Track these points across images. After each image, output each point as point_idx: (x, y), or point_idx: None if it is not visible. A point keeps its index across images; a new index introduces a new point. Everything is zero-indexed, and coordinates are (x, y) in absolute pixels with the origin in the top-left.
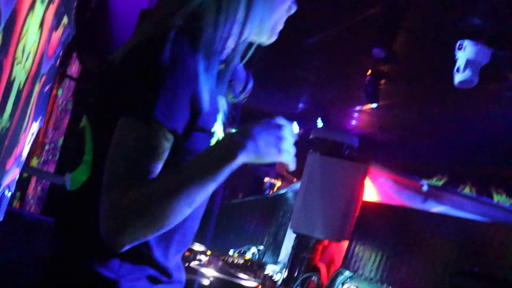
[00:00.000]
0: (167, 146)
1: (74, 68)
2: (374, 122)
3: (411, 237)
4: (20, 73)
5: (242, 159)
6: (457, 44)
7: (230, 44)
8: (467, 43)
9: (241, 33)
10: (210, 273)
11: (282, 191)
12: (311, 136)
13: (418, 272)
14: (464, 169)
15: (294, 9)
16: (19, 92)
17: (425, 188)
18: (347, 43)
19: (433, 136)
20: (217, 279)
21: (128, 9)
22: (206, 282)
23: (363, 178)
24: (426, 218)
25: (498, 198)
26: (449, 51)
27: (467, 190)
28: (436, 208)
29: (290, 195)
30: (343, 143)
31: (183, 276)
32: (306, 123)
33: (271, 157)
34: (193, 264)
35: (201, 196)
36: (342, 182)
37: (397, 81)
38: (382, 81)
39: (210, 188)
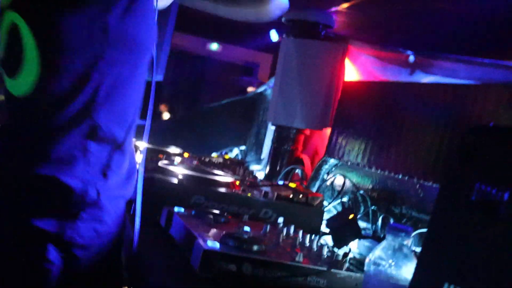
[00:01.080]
0: None
1: None
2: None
3: (396, 114)
4: None
5: None
6: None
7: None
8: None
9: None
10: (180, 171)
11: (260, 89)
12: (283, 19)
13: (397, 146)
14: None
15: None
16: None
17: (411, 58)
18: None
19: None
20: (187, 176)
21: None
22: (175, 180)
23: (343, 59)
24: (410, 89)
25: None
26: None
27: None
28: (426, 78)
29: (268, 91)
30: (319, 23)
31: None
32: (284, 29)
33: None
34: (161, 163)
35: None
36: (321, 65)
37: None
38: None
39: None
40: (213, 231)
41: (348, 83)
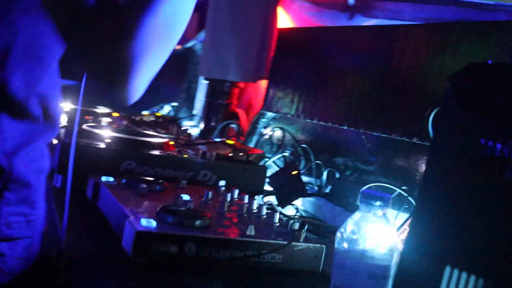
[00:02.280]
0: None
1: None
2: None
3: (328, 60)
4: None
5: None
6: None
7: None
8: None
9: None
10: (107, 134)
11: (189, 44)
12: None
13: (329, 96)
14: None
15: None
16: None
17: (350, 1)
18: None
19: None
20: (115, 139)
21: None
22: (101, 145)
23: (275, 6)
24: (347, 33)
25: None
26: None
27: None
28: (367, 22)
29: (198, 46)
30: None
31: None
32: None
33: None
34: (86, 125)
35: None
36: (252, 14)
37: None
38: None
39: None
40: (147, 204)
41: (283, 30)
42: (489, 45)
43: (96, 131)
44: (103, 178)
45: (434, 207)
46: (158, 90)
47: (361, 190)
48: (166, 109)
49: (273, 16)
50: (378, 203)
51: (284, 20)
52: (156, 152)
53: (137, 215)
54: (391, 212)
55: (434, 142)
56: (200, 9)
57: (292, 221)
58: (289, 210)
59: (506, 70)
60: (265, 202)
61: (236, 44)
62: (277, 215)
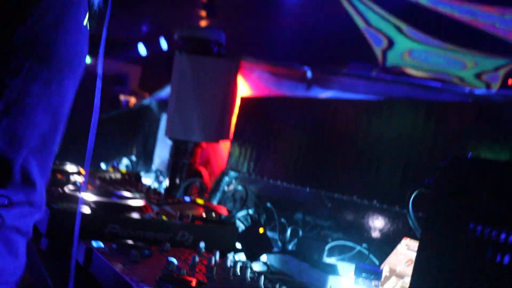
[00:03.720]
0: None
1: None
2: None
3: (285, 125)
4: None
5: None
6: None
7: None
8: None
9: None
10: (90, 198)
11: (145, 102)
12: (175, 37)
13: (287, 158)
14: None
15: None
16: None
17: (309, 74)
18: None
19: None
20: (99, 203)
21: None
22: (87, 210)
23: (236, 74)
24: (296, 104)
25: None
26: None
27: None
28: (323, 94)
29: (154, 104)
30: (210, 40)
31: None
32: (151, 44)
33: None
34: (69, 189)
35: None
36: (214, 81)
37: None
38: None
39: None
40: (143, 270)
41: (244, 98)
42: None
43: (81, 195)
44: (94, 243)
45: (427, 283)
46: (115, 144)
47: (356, 265)
48: (124, 162)
49: (233, 84)
50: (371, 276)
51: (244, 87)
52: (137, 216)
53: (139, 284)
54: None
55: (426, 225)
56: (142, 64)
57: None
58: (258, 266)
59: (484, 164)
60: (240, 261)
61: (199, 108)
62: (262, 278)
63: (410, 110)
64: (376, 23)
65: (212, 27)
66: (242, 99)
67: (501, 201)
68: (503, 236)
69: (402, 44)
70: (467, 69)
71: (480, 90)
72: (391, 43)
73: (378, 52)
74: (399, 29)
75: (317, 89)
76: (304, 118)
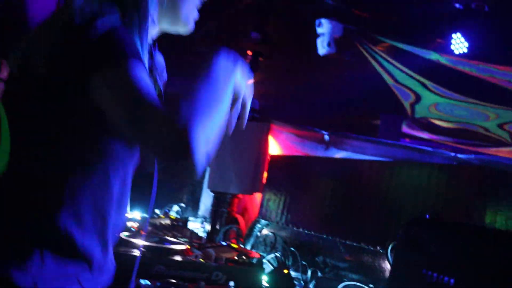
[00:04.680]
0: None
1: (5, 73)
2: (256, 92)
3: (308, 181)
4: None
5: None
6: (316, 22)
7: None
8: (324, 21)
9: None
10: (140, 243)
11: None
12: None
13: (309, 209)
14: (323, 121)
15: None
16: None
17: (327, 137)
18: (229, 30)
19: (299, 100)
20: (148, 248)
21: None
22: (136, 253)
23: (267, 136)
24: (321, 162)
25: None
26: (311, 28)
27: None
28: (339, 154)
29: None
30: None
31: (112, 265)
32: None
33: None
34: (123, 235)
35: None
36: (249, 142)
37: (271, 59)
38: (260, 59)
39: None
40: None
41: (274, 156)
42: (424, 179)
43: (132, 240)
44: (142, 282)
45: None
46: (167, 192)
47: None
48: (175, 208)
49: (265, 144)
50: None
51: (275, 145)
52: (180, 258)
53: None
54: None
55: (393, 270)
56: None
57: None
58: None
59: (437, 223)
60: None
61: (236, 165)
62: None
63: (416, 170)
64: (402, 80)
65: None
66: (272, 157)
67: (450, 253)
68: (452, 281)
69: (428, 98)
70: (490, 120)
71: (463, 155)
72: (418, 98)
73: (406, 105)
74: (424, 85)
75: (333, 150)
76: (325, 175)
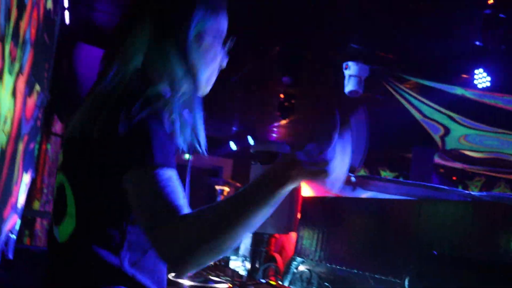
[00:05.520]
0: (176, 180)
1: (58, 126)
2: (289, 132)
3: (339, 220)
4: (0, 136)
5: (289, 187)
6: (344, 65)
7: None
8: (350, 63)
9: (180, 88)
10: (186, 283)
11: None
12: (251, 150)
13: (341, 246)
14: (371, 155)
15: (225, 62)
16: (3, 152)
17: (353, 179)
18: (262, 76)
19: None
20: (193, 287)
21: (95, 73)
22: None
23: None
24: (350, 202)
25: (384, 174)
26: (339, 71)
27: (362, 172)
28: (365, 194)
29: None
30: (278, 152)
31: None
32: (240, 141)
33: (316, 182)
34: (170, 276)
35: (259, 221)
36: None
37: (303, 100)
38: (292, 101)
39: (264, 213)
40: None
41: (306, 198)
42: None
43: (179, 280)
44: None
45: None
46: None
47: None
48: None
49: (298, 186)
50: None
51: (306, 187)
52: None
53: None
54: None
55: None
56: (234, 157)
57: None
58: None
59: (443, 259)
60: None
61: None
62: None
63: (442, 207)
64: (430, 115)
65: (278, 142)
66: (304, 198)
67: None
68: None
69: (457, 130)
70: None
71: (475, 192)
72: (447, 130)
73: (437, 138)
74: (452, 119)
75: (360, 190)
76: (354, 213)
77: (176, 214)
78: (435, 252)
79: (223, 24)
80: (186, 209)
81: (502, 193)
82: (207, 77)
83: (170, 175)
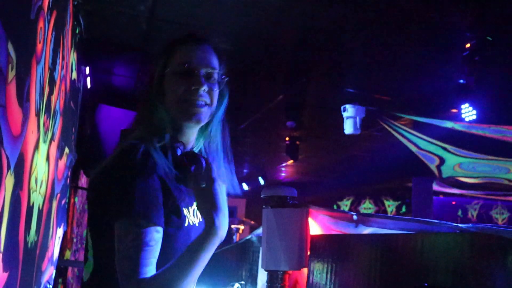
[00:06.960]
0: (158, 236)
1: (83, 180)
2: (296, 171)
3: (346, 255)
4: (37, 198)
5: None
6: (342, 108)
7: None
8: (348, 106)
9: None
10: None
11: (248, 237)
12: (262, 196)
13: (348, 279)
14: (362, 189)
15: (196, 86)
16: (40, 212)
17: (355, 217)
18: (268, 122)
19: (337, 172)
20: None
21: (114, 131)
22: None
23: (307, 218)
24: (355, 238)
25: (387, 203)
26: (338, 114)
27: (367, 203)
28: (366, 230)
29: (254, 239)
30: (286, 196)
31: None
32: (251, 181)
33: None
34: None
35: (204, 265)
36: (293, 225)
37: (307, 141)
38: (297, 143)
39: (207, 259)
40: None
41: (315, 236)
42: (437, 247)
43: None
44: None
45: None
46: (228, 271)
47: None
48: (236, 286)
49: (306, 225)
50: None
51: (314, 225)
52: None
53: None
54: None
55: None
56: (247, 196)
57: None
58: None
59: None
60: None
61: (284, 245)
62: None
63: (441, 238)
64: (425, 147)
65: (287, 186)
66: (313, 236)
67: None
68: None
69: (451, 159)
70: (511, 172)
71: (463, 225)
72: (442, 160)
73: (433, 168)
74: (445, 149)
75: (362, 227)
76: (360, 248)
77: (136, 277)
78: (426, 284)
79: (183, 57)
80: (150, 271)
81: (489, 225)
82: (182, 107)
83: (147, 230)
